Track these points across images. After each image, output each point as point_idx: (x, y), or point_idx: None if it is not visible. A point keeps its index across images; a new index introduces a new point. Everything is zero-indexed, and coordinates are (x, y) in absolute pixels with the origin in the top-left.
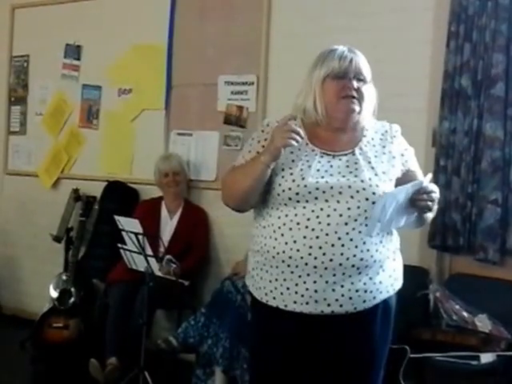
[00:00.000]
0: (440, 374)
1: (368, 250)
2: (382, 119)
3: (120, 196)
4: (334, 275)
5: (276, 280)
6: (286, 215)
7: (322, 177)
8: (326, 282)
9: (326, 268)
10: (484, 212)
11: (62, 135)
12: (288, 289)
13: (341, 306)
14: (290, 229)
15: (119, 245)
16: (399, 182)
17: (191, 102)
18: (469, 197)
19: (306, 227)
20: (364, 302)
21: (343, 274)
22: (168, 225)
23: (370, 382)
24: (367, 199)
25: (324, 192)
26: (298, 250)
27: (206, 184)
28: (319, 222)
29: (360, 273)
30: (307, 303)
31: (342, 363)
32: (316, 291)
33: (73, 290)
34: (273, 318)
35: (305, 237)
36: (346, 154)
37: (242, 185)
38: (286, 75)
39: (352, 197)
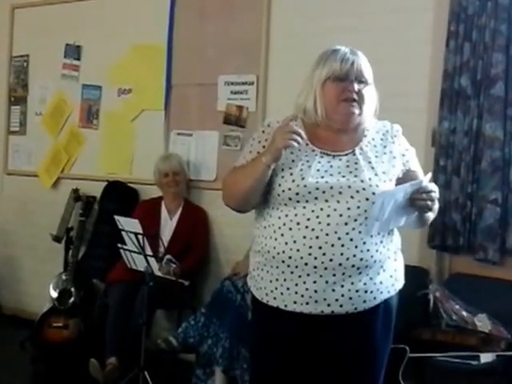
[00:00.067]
0: (440, 374)
1: (368, 250)
2: (382, 119)
3: (120, 196)
4: (334, 275)
5: (276, 280)
6: (286, 215)
7: (322, 177)
8: (326, 282)
9: (325, 268)
10: (484, 212)
11: (62, 135)
12: (288, 289)
13: (341, 306)
14: (290, 229)
15: (119, 245)
16: (400, 182)
17: (191, 102)
18: (468, 197)
19: (306, 227)
20: (364, 302)
21: (343, 274)
22: (168, 225)
23: (370, 382)
24: (367, 199)
25: (324, 192)
26: (297, 250)
27: (205, 184)
28: (319, 222)
29: (360, 273)
30: (307, 303)
31: (342, 363)
32: (316, 291)
33: (73, 289)
34: (273, 318)
35: (305, 237)
36: (346, 154)
37: (243, 185)
38: (285, 75)
39: (352, 197)
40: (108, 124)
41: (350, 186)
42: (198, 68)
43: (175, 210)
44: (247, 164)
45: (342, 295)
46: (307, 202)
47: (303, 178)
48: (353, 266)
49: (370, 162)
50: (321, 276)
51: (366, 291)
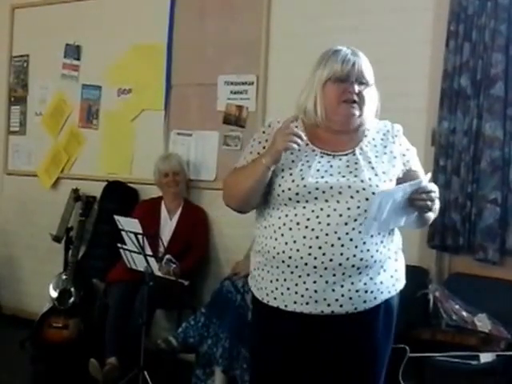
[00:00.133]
0: (440, 374)
1: (368, 250)
2: (382, 119)
3: (120, 196)
4: (334, 275)
5: (277, 280)
6: (286, 215)
7: (322, 177)
8: (326, 282)
9: (325, 268)
10: (483, 212)
11: (62, 135)
12: (288, 289)
13: (341, 306)
14: (290, 229)
15: (119, 245)
16: (400, 182)
17: (191, 102)
18: (468, 196)
19: (306, 227)
20: (364, 302)
21: (343, 274)
22: (168, 225)
23: (371, 382)
24: (367, 199)
25: (324, 192)
26: (297, 250)
27: (205, 184)
28: (319, 222)
29: (360, 273)
30: (307, 303)
31: (343, 363)
32: (316, 291)
33: (72, 289)
34: (273, 319)
35: (304, 237)
36: (346, 154)
37: (243, 186)
38: (285, 75)
39: (352, 197)
40: (108, 124)
41: (349, 186)
42: (197, 68)
43: (175, 209)
44: (247, 165)
45: (342, 295)
46: (307, 202)
47: (303, 178)
48: (353, 265)
49: (370, 162)
50: (321, 276)
51: (366, 291)
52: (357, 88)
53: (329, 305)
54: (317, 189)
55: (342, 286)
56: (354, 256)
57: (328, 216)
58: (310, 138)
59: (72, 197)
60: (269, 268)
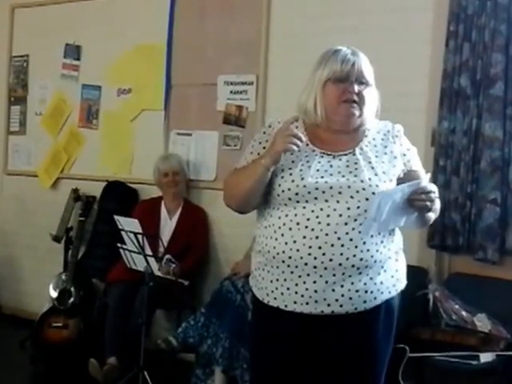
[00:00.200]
0: (439, 374)
1: (368, 250)
2: (381, 119)
3: (119, 196)
4: (334, 275)
5: (277, 280)
6: (286, 215)
7: (322, 177)
8: (326, 282)
9: (325, 268)
10: (483, 212)
11: (62, 135)
12: (288, 289)
13: (341, 306)
14: (290, 229)
15: (119, 245)
16: (401, 182)
17: (191, 102)
18: (468, 196)
19: (306, 227)
20: (364, 302)
21: (343, 274)
22: (167, 225)
23: (370, 382)
24: (367, 199)
25: (323, 192)
26: (297, 250)
27: (205, 184)
28: (319, 222)
29: (360, 273)
30: (307, 303)
31: (343, 363)
32: (316, 291)
33: (72, 289)
34: (273, 319)
35: (304, 237)
36: (346, 154)
37: (243, 186)
38: (285, 75)
39: (352, 197)
40: (108, 124)
41: (349, 186)
42: (197, 68)
43: (175, 209)
44: (247, 165)
45: (342, 295)
46: (307, 202)
47: (303, 179)
48: (353, 265)
49: (370, 162)
50: (321, 276)
51: (366, 291)
52: (356, 88)
53: (329, 305)
54: (316, 189)
55: (342, 286)
56: (354, 256)
57: (328, 216)
58: (311, 138)
59: (72, 197)
60: (269, 268)
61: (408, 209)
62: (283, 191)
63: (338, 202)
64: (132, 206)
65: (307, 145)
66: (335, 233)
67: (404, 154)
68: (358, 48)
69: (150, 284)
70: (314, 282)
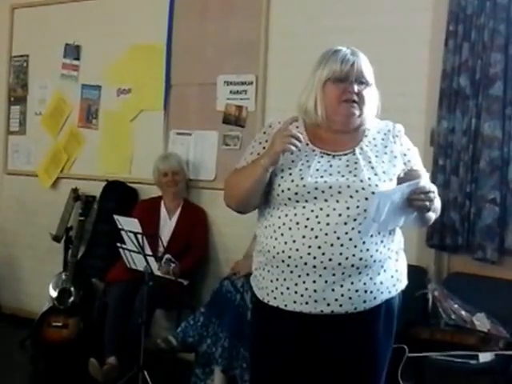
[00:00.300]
0: (439, 373)
1: (368, 250)
2: (381, 119)
3: (119, 195)
4: (334, 275)
5: (277, 280)
6: (286, 215)
7: (321, 176)
8: (326, 282)
9: (325, 268)
10: (482, 211)
11: (62, 135)
12: (288, 288)
13: (340, 305)
14: (290, 228)
15: (118, 244)
16: (401, 182)
17: (190, 102)
18: (467, 196)
19: (306, 227)
20: (364, 302)
21: (343, 273)
22: (167, 224)
23: (370, 382)
24: (366, 199)
25: (323, 192)
26: (297, 250)
27: (205, 183)
28: (318, 222)
29: (360, 273)
30: (307, 303)
31: (343, 363)
32: (315, 291)
33: (72, 289)
34: (273, 318)
35: (304, 236)
36: (346, 154)
37: (243, 187)
38: (285, 75)
39: (351, 196)
40: (107, 124)
41: (349, 186)
42: (197, 68)
43: (174, 209)
44: (247, 166)
45: (342, 295)
46: (306, 201)
47: (302, 178)
48: (352, 265)
49: (369, 162)
50: (320, 276)
51: (365, 291)
52: (356, 88)
53: (328, 304)
54: (316, 188)
55: (342, 286)
56: (354, 256)
57: (327, 216)
58: (311, 137)
59: (72, 196)
60: (269, 268)
61: (407, 209)
62: (283, 191)
63: (337, 201)
64: (132, 206)
65: (307, 144)
66: (335, 232)
67: (404, 154)
68: (357, 48)
69: (149, 284)
70: (314, 282)
